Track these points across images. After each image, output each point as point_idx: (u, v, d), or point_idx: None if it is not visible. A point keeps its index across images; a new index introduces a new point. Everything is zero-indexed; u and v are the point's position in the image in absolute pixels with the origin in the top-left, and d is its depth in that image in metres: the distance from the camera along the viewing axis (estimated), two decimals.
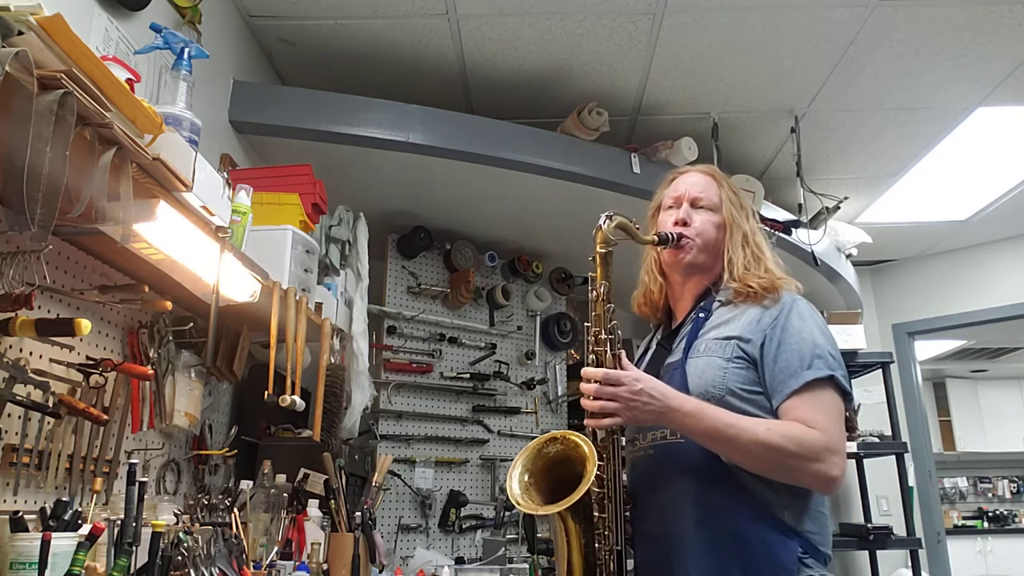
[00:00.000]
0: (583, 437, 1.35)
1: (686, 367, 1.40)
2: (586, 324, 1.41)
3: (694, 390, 1.35)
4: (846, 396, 1.34)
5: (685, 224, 1.49)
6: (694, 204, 1.52)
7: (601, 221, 1.40)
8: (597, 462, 1.31)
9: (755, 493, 1.30)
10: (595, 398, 1.30)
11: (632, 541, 1.39)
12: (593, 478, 1.29)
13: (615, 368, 1.33)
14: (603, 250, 1.40)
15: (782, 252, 3.34)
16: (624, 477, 1.46)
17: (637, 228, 1.43)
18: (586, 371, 1.34)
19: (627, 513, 1.39)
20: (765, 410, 1.34)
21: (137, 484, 1.29)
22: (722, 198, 1.53)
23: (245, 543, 1.72)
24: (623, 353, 1.37)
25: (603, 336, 1.37)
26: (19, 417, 1.33)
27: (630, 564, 1.38)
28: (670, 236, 1.45)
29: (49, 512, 1.27)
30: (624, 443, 1.46)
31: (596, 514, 1.34)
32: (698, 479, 1.33)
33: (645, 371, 1.47)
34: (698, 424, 1.28)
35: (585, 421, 1.33)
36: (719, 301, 1.47)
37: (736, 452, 1.28)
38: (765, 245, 1.52)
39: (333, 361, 2.31)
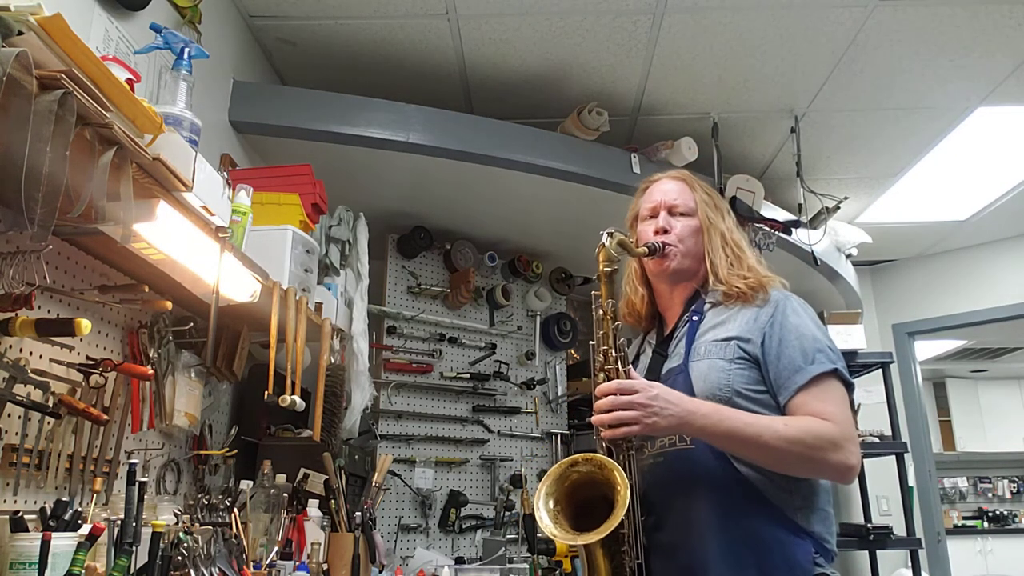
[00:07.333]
0: (608, 459, 1.31)
1: (689, 371, 1.39)
2: (591, 343, 1.40)
3: (699, 393, 1.35)
4: (849, 386, 1.36)
5: (666, 232, 1.50)
6: (671, 211, 1.52)
7: (603, 239, 1.40)
8: (628, 484, 1.27)
9: (768, 496, 1.30)
10: (610, 410, 1.29)
11: (647, 552, 1.36)
12: (628, 503, 1.24)
13: None
14: (607, 268, 1.40)
15: (782, 252, 3.36)
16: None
17: (632, 243, 1.45)
18: (600, 388, 1.32)
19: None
20: (771, 409, 1.34)
21: (137, 484, 1.29)
22: (697, 201, 1.53)
23: (245, 543, 1.72)
24: (632, 370, 1.37)
25: (612, 355, 1.37)
26: (19, 417, 1.33)
27: None
28: (656, 246, 1.46)
29: (49, 512, 1.27)
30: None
31: (622, 531, 1.31)
32: (712, 485, 1.32)
33: (644, 378, 1.46)
34: (718, 427, 1.27)
35: (602, 433, 1.31)
36: (709, 303, 1.47)
37: (759, 451, 1.27)
38: (744, 242, 1.53)
39: (333, 361, 2.31)
